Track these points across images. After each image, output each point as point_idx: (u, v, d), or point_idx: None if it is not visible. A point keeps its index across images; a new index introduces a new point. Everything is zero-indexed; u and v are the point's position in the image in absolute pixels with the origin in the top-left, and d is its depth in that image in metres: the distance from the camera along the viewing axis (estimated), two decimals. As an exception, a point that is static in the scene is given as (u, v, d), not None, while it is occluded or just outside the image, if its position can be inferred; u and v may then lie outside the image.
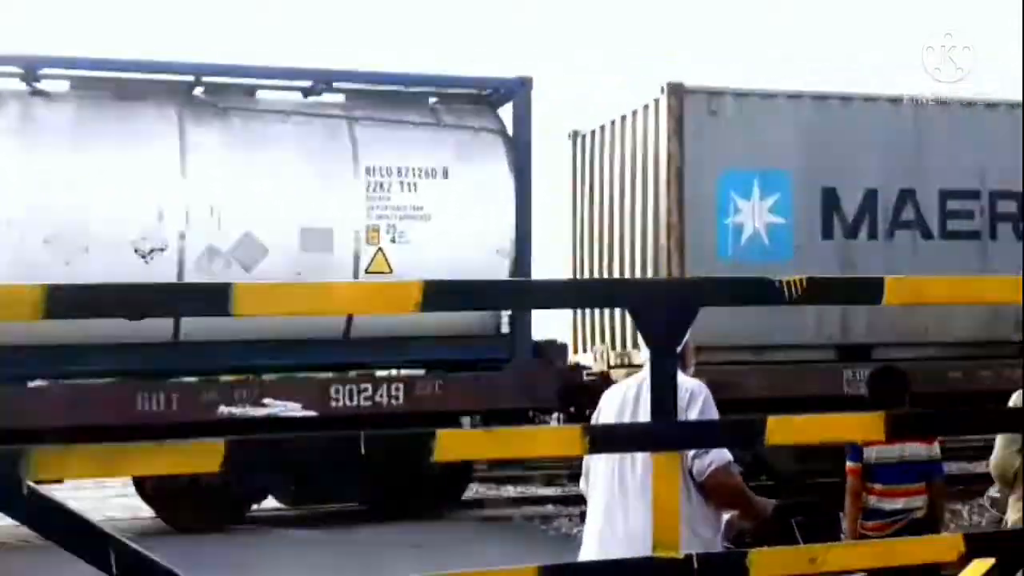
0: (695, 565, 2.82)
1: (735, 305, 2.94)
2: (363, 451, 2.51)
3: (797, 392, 11.53)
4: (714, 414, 3.90)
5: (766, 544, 3.63)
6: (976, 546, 3.09)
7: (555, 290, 3.13)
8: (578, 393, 11.50)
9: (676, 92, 12.01)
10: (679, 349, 4.11)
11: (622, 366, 12.37)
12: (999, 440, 5.16)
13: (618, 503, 3.92)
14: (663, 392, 2.81)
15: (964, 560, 3.08)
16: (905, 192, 12.65)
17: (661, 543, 2.79)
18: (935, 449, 5.64)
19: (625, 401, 4.05)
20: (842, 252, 12.38)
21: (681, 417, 3.80)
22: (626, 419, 3.92)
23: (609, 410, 4.19)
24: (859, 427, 3.14)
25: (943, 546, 3.18)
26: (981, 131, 12.82)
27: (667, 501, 2.80)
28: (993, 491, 5.34)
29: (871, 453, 5.54)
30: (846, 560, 3.14)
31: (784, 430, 2.83)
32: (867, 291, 2.89)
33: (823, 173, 12.36)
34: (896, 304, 2.75)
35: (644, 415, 2.83)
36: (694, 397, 3.95)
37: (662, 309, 2.75)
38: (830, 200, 12.42)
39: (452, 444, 2.62)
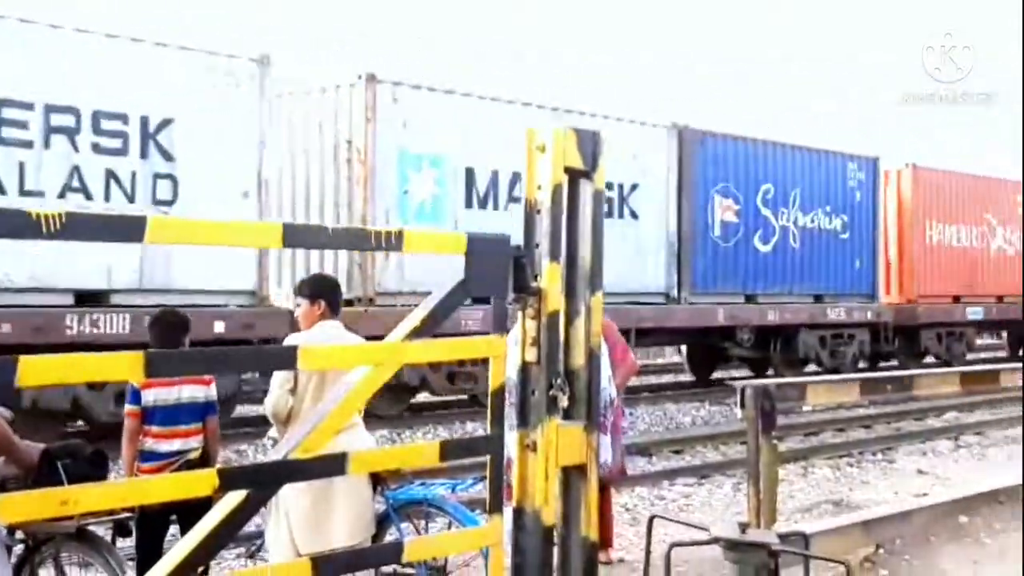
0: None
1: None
2: None
3: None
4: None
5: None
6: (230, 480, 3.22)
7: None
8: None
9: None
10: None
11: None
12: (274, 380, 5.40)
13: None
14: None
15: (221, 493, 3.20)
16: None
17: None
18: (212, 391, 5.74)
19: None
20: None
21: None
22: None
23: None
24: (121, 366, 3.11)
25: (200, 481, 3.26)
26: None
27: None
28: (273, 432, 5.61)
29: (149, 396, 5.51)
30: (99, 500, 3.11)
31: (34, 371, 2.71)
32: (131, 229, 2.85)
33: None
34: (158, 243, 2.75)
35: None
36: None
37: None
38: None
39: None
